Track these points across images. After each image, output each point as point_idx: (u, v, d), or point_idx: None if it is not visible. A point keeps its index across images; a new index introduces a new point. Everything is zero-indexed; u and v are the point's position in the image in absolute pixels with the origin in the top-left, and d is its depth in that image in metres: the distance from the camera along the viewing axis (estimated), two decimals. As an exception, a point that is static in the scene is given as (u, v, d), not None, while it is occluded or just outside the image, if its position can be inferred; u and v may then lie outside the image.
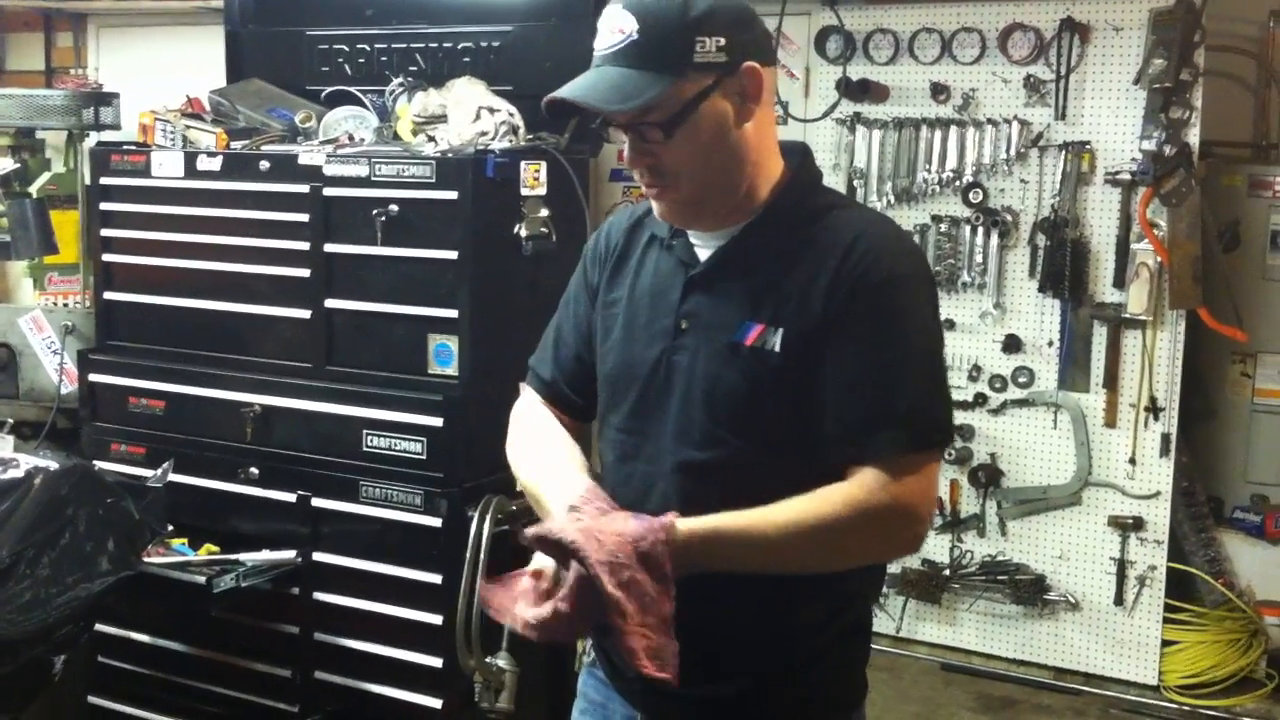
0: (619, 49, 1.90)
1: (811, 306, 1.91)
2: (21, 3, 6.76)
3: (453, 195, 3.57)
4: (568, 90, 1.92)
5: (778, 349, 1.92)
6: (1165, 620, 4.89)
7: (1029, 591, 5.03)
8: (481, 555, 3.47)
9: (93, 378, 4.12)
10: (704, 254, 2.04)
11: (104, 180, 4.10)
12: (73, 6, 6.61)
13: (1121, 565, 4.89)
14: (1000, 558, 5.11)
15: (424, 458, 3.59)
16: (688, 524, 1.83)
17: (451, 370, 3.60)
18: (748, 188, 1.99)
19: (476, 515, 3.50)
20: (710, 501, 1.89)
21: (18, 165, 5.30)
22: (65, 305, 5.21)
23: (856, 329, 1.90)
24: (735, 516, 1.85)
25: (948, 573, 5.14)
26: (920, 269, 2.01)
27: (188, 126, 4.02)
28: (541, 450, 2.16)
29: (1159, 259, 4.73)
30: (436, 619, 3.58)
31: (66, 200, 5.30)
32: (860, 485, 1.87)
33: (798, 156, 2.07)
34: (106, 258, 4.13)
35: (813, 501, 1.86)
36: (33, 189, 5.24)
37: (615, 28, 1.90)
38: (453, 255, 3.58)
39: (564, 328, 2.26)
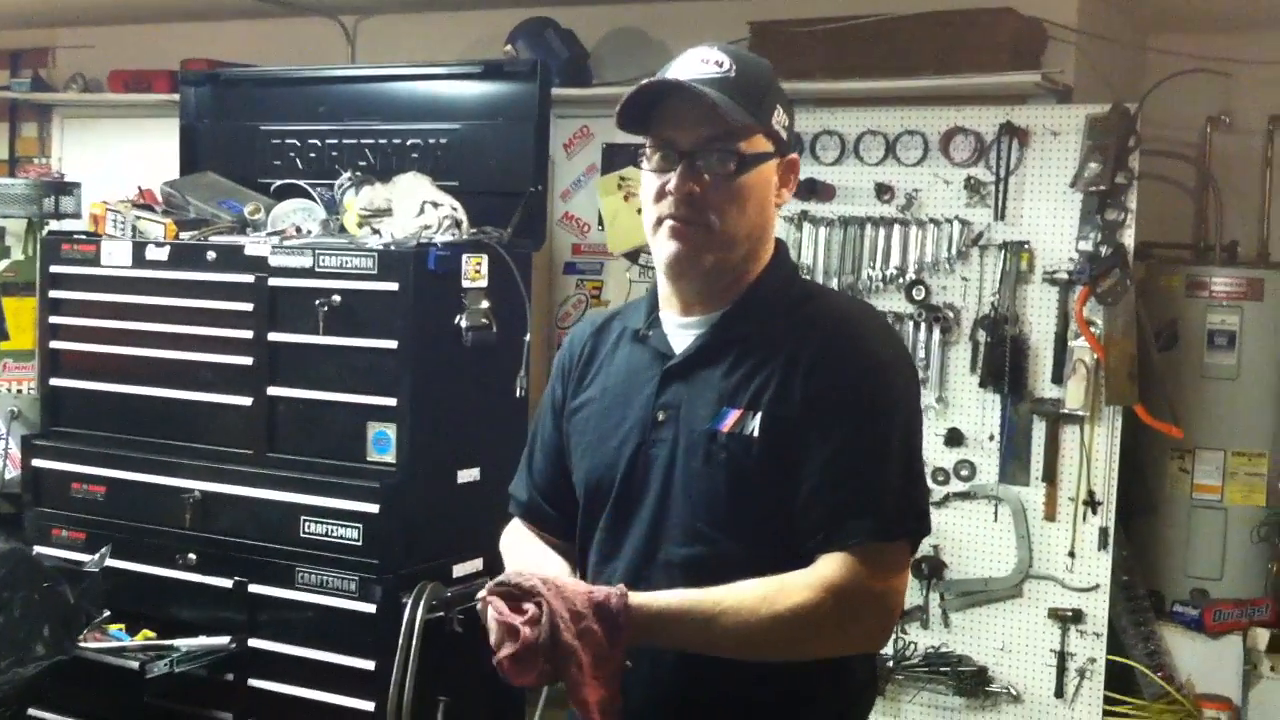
0: (717, 78, 1.90)
1: (791, 391, 1.87)
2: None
3: (394, 286, 3.64)
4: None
5: (755, 433, 1.86)
6: (1106, 713, 4.89)
7: (971, 683, 5.03)
8: (414, 642, 3.50)
9: (36, 463, 4.16)
10: (680, 343, 1.99)
11: (54, 269, 4.17)
12: (39, 98, 6.71)
13: (1062, 657, 4.91)
14: (943, 649, 5.12)
15: (360, 544, 3.62)
16: (638, 598, 1.79)
17: (389, 457, 3.65)
18: (746, 265, 1.97)
19: (410, 602, 3.54)
20: None
21: (-24, 252, 5.39)
22: (19, 391, 5.25)
23: (837, 415, 1.86)
24: (688, 594, 1.80)
25: (891, 664, 5.14)
26: (902, 355, 2.01)
27: (138, 217, 4.10)
28: (519, 553, 2.14)
29: (1095, 356, 4.81)
30: (369, 706, 3.59)
31: (24, 288, 5.37)
32: (828, 569, 1.81)
33: (777, 247, 2.06)
34: (54, 344, 4.18)
35: (774, 584, 1.79)
36: (-10, 276, 5.33)
37: (710, 60, 1.93)
38: (393, 345, 3.65)
39: (535, 445, 2.21)
